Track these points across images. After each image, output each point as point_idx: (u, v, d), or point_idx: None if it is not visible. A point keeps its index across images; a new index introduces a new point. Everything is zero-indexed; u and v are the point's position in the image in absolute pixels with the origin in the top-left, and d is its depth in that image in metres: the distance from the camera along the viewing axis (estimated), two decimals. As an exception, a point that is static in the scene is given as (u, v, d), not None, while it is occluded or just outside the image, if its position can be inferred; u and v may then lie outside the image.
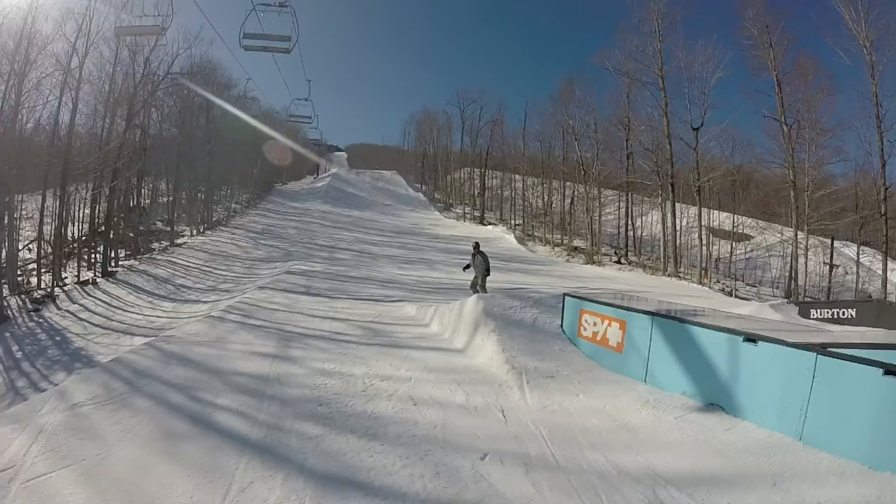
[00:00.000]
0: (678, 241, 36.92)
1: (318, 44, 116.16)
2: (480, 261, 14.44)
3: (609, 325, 8.00)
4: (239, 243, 33.82)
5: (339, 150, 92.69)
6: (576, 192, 46.67)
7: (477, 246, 14.96)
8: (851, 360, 4.77)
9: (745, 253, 42.38)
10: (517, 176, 54.76)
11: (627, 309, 8.00)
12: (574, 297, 9.22)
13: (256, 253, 31.17)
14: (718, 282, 35.30)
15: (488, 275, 14.50)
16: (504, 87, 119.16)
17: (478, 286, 14.27)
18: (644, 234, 43.92)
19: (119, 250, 28.81)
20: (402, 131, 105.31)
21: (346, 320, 11.74)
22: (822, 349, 5.06)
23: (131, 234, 31.70)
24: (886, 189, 29.67)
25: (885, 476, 4.14)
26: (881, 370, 4.46)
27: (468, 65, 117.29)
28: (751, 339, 5.79)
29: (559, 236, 46.34)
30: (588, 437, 5.37)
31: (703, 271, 34.72)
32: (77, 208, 28.69)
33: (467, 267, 15.10)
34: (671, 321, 7.08)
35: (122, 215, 31.60)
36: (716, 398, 5.94)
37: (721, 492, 4.24)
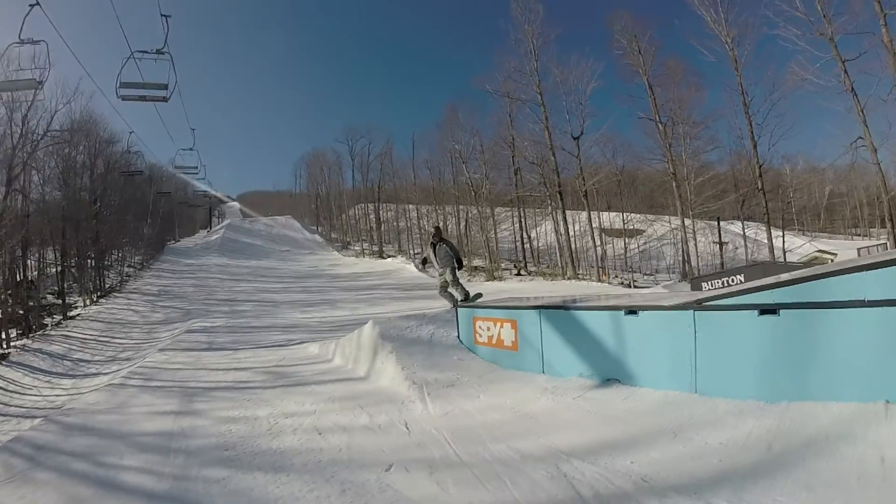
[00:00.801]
0: (573, 245, 38.18)
1: (199, 93, 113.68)
2: (446, 250, 10.89)
3: (502, 326, 8.12)
4: (136, 308, 32.09)
5: (231, 200, 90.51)
6: (469, 214, 47.48)
7: (438, 232, 11.23)
8: (727, 309, 4.98)
9: (639, 247, 44.51)
10: (411, 206, 55.32)
11: (516, 308, 8.17)
12: (466, 306, 9.33)
13: (155, 316, 29.63)
14: (617, 277, 36.72)
15: (460, 267, 11.03)
16: (392, 120, 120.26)
17: (449, 286, 10.77)
18: (540, 244, 45.31)
19: (9, 330, 26.60)
20: (293, 175, 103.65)
21: (250, 368, 11.36)
22: (698, 305, 5.24)
23: (21, 312, 29.27)
24: (760, 166, 32.77)
25: (780, 406, 4.32)
26: (756, 311, 4.69)
27: (354, 102, 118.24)
28: (632, 311, 5.97)
29: (459, 259, 46.75)
30: (490, 432, 5.36)
31: (600, 270, 35.97)
32: (-42, 286, 26.25)
33: (425, 261, 11.87)
34: (557, 310, 7.22)
35: (10, 291, 29.14)
36: (611, 373, 6.04)
37: (624, 453, 4.30)
